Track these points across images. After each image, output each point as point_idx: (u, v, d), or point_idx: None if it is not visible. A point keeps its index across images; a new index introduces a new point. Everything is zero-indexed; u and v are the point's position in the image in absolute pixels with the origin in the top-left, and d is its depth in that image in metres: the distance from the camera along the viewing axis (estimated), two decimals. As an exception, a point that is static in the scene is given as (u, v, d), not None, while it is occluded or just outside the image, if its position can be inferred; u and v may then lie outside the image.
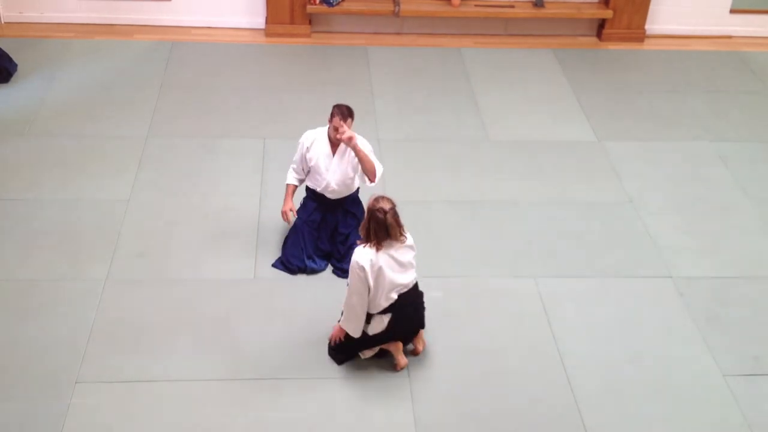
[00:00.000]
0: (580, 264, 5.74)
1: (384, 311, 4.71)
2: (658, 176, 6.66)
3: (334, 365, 4.88)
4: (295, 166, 5.50)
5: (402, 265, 4.65)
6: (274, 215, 5.93)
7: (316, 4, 8.18)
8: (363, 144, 5.23)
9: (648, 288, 5.58)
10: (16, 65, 7.44)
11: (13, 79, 7.33)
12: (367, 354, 4.91)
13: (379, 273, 4.55)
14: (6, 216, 5.82)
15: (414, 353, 4.96)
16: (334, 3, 8.18)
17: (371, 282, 4.56)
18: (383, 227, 4.50)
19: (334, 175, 5.36)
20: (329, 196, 5.46)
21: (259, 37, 8.31)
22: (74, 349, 4.86)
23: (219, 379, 4.76)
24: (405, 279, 4.68)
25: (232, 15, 8.36)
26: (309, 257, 5.50)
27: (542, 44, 8.50)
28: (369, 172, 5.22)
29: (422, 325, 4.95)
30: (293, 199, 5.55)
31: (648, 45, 8.63)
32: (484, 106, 7.42)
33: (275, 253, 5.62)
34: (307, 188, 5.56)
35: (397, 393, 4.75)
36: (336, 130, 5.14)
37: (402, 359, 4.87)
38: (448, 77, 7.83)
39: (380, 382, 4.81)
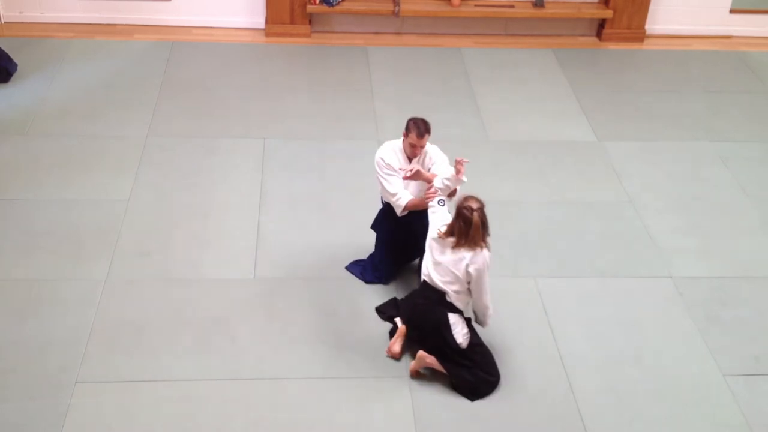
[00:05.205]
0: (580, 264, 5.74)
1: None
2: (658, 176, 6.66)
3: (334, 365, 4.88)
4: (394, 180, 4.97)
5: (444, 268, 4.61)
6: (274, 215, 5.94)
7: (316, 4, 8.18)
8: (435, 153, 5.02)
9: (648, 288, 5.58)
10: (16, 65, 7.43)
11: (13, 79, 7.33)
12: (397, 322, 5.08)
13: (431, 245, 4.69)
14: (6, 216, 5.82)
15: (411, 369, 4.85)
16: (334, 3, 8.17)
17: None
18: (468, 224, 4.49)
19: (413, 188, 5.07)
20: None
21: (259, 37, 8.31)
22: (74, 349, 4.86)
23: (219, 379, 4.76)
24: (437, 275, 4.66)
25: (232, 15, 8.36)
26: (386, 276, 5.43)
27: (542, 44, 8.50)
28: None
29: (433, 342, 4.78)
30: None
31: (648, 45, 8.63)
32: (484, 106, 7.41)
33: (275, 253, 5.62)
34: (386, 205, 5.27)
35: (397, 393, 4.75)
36: (412, 146, 4.92)
37: (394, 346, 4.91)
38: (448, 77, 7.82)
39: (380, 382, 4.81)
